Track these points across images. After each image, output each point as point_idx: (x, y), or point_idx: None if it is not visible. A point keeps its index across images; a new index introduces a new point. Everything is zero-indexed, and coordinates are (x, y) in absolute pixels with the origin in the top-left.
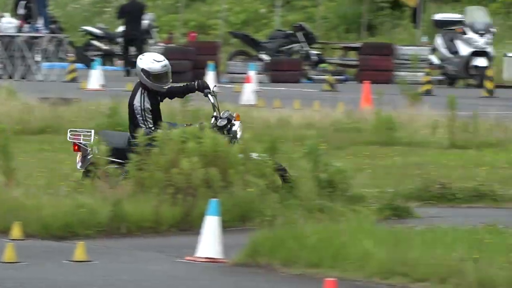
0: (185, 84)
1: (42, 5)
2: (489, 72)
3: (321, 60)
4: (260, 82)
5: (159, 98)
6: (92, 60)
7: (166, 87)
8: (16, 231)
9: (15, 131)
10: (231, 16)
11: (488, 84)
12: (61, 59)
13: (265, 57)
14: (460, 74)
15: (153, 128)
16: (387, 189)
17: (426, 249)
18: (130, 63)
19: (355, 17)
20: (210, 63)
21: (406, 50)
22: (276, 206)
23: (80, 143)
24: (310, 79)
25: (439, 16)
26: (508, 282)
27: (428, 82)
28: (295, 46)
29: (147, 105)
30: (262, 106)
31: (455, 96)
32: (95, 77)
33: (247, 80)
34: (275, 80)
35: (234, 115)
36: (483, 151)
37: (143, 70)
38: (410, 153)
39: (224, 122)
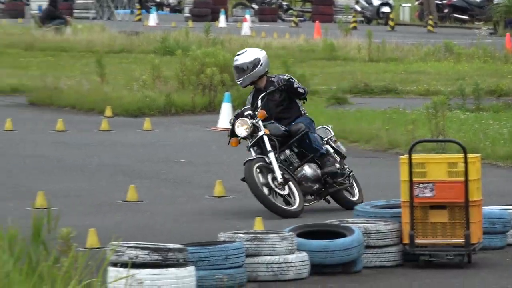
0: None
1: None
2: (391, 15)
3: (289, 8)
4: (252, 22)
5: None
6: (150, 8)
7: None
8: (108, 111)
9: (105, 52)
10: None
11: (391, 23)
12: (132, 7)
13: (254, 5)
14: (373, 16)
15: None
16: (332, 87)
17: (357, 122)
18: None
19: None
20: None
21: (341, 2)
22: None
23: None
24: (283, 20)
25: None
26: (406, 143)
27: (354, 22)
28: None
29: None
30: (254, 36)
31: (371, 30)
32: (153, 18)
33: (244, 20)
34: (261, 21)
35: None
36: (389, 63)
37: None
38: (345, 65)
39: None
